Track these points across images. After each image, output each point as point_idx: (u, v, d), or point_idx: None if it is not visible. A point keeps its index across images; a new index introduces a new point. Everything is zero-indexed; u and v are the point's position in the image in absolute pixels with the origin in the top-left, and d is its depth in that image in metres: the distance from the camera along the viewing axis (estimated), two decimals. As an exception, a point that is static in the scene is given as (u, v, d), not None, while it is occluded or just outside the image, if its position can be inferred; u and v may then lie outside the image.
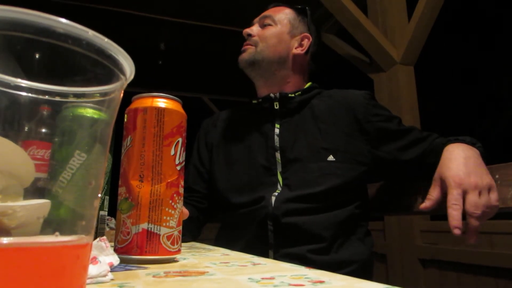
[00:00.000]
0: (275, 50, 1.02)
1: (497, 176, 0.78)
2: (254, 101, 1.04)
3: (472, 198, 0.73)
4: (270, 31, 1.03)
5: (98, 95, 0.26)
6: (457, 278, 1.96)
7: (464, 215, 0.73)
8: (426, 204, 0.81)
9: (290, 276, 0.34)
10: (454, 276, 1.98)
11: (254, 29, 1.06)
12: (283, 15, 1.06)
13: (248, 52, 1.03)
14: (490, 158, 0.83)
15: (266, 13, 1.08)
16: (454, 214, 0.72)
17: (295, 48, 1.05)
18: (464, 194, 0.74)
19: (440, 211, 0.81)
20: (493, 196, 0.74)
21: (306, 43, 1.06)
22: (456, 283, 1.96)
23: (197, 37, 3.35)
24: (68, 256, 0.21)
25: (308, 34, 1.06)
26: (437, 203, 0.80)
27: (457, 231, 0.71)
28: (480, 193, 0.73)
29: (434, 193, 0.80)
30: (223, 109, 1.22)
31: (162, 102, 0.49)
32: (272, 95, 1.01)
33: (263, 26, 1.06)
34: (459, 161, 0.78)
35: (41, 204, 0.23)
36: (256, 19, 1.09)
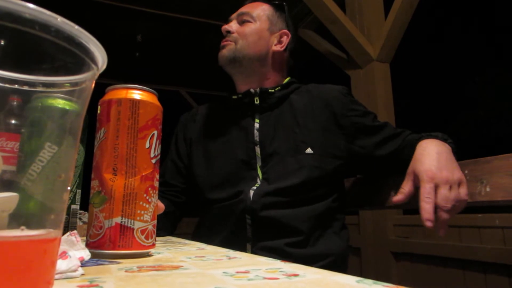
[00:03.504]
0: (255, 47, 1.01)
1: (466, 172, 0.81)
2: (234, 96, 1.04)
3: (443, 192, 0.75)
4: (250, 28, 1.02)
5: (68, 84, 0.25)
6: (427, 270, 2.03)
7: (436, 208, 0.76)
8: (398, 197, 0.83)
9: (265, 269, 0.35)
10: (425, 269, 2.04)
11: (233, 25, 1.04)
12: (261, 11, 1.05)
13: (228, 49, 1.01)
14: (460, 154, 0.85)
15: (243, 9, 1.06)
16: (427, 207, 0.74)
17: (275, 45, 1.04)
18: (436, 188, 0.76)
19: (412, 205, 0.83)
20: (463, 191, 0.77)
21: (285, 40, 1.06)
22: (426, 275, 2.03)
23: (176, 29, 3.30)
24: (34, 250, 0.20)
25: (286, 31, 1.06)
26: (409, 197, 0.82)
27: (429, 224, 0.73)
28: (450, 187, 0.76)
29: (406, 187, 0.82)
30: (201, 103, 1.20)
31: (137, 94, 0.48)
32: (252, 90, 1.01)
33: (241, 22, 1.04)
34: (432, 156, 0.80)
35: (7, 198, 0.22)
36: (234, 15, 1.07)
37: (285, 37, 1.06)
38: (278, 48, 1.04)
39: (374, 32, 2.35)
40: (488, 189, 0.77)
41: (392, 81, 2.36)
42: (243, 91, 1.03)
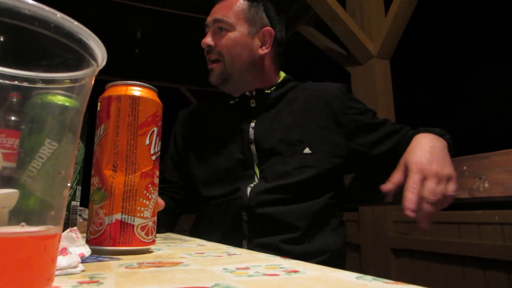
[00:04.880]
0: (241, 59, 0.98)
1: (464, 168, 0.81)
2: (231, 102, 1.02)
3: (430, 184, 0.74)
4: (229, 38, 0.97)
5: (68, 81, 0.25)
6: (426, 267, 2.03)
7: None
8: (387, 186, 0.81)
9: (265, 266, 0.35)
10: (424, 265, 2.05)
11: (212, 38, 0.99)
12: (236, 12, 0.98)
13: (217, 73, 0.99)
14: (459, 152, 0.85)
15: (216, 15, 0.99)
16: (410, 197, 0.73)
17: (260, 48, 1.00)
18: (424, 180, 0.75)
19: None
20: (451, 187, 0.76)
21: (268, 39, 1.00)
22: (426, 271, 2.03)
23: (175, 26, 3.29)
24: (34, 247, 0.20)
25: (268, 28, 1.00)
26: (398, 186, 0.80)
27: (409, 212, 0.72)
28: (438, 181, 0.75)
29: (396, 177, 0.81)
30: (201, 99, 1.20)
31: (136, 90, 0.48)
32: (247, 93, 1.00)
33: (218, 30, 0.99)
34: (425, 149, 0.80)
35: (7, 194, 0.22)
36: (209, 21, 1.00)
37: (268, 36, 1.00)
38: (264, 50, 1.00)
39: (374, 28, 2.34)
40: (486, 185, 0.77)
41: (392, 78, 2.35)
42: (238, 95, 1.01)
